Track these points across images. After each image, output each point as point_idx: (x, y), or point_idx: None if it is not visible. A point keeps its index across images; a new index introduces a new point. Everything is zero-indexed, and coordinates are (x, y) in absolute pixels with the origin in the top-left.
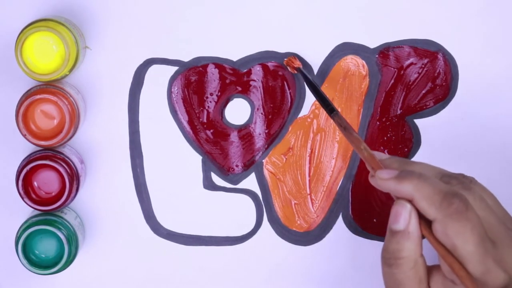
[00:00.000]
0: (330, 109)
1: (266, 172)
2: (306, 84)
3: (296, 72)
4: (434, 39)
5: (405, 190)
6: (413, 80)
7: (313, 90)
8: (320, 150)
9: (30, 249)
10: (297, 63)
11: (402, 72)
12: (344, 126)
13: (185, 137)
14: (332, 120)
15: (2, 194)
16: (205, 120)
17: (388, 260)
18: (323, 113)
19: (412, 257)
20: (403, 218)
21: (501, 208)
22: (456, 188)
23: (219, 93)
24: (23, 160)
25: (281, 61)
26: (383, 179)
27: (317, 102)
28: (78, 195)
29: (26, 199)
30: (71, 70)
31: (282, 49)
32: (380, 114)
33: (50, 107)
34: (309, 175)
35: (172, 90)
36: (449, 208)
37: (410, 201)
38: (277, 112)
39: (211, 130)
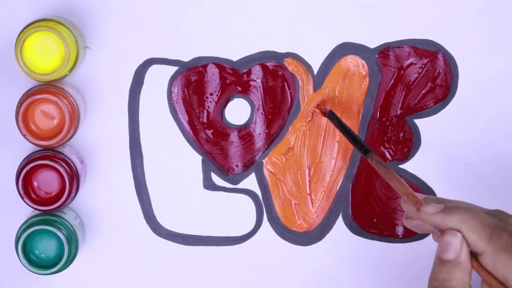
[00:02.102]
0: (364, 150)
1: (266, 172)
2: (338, 127)
3: (325, 116)
4: (434, 39)
5: (452, 223)
6: (413, 80)
7: (345, 132)
8: (320, 150)
9: (30, 249)
10: (328, 107)
11: (402, 72)
12: (383, 165)
13: (185, 137)
14: (332, 120)
15: (2, 194)
16: (205, 120)
17: None
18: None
19: (461, 286)
20: (453, 248)
21: None
22: (501, 222)
23: (219, 93)
24: (23, 160)
25: (281, 61)
26: (430, 214)
27: (316, 103)
28: (78, 195)
29: (26, 199)
30: (71, 70)
31: (282, 49)
32: (380, 114)
33: (50, 107)
34: (309, 175)
35: (172, 90)
36: (498, 241)
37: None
38: (277, 112)
39: (211, 130)
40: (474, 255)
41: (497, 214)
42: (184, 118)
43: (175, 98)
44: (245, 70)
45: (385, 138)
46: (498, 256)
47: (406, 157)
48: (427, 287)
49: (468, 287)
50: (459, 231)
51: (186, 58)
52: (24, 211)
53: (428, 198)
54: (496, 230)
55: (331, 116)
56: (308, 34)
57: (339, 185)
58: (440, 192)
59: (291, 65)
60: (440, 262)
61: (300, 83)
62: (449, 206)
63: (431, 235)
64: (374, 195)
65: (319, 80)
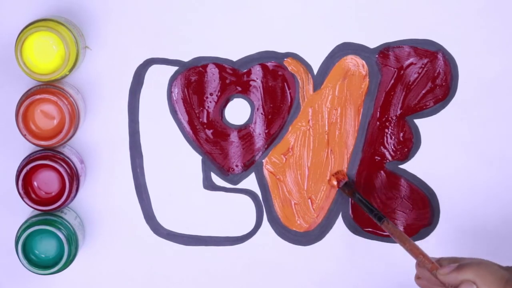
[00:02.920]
0: (378, 217)
1: (266, 172)
2: (351, 197)
3: (339, 187)
4: (434, 39)
5: (467, 278)
6: (413, 80)
7: (360, 202)
8: (320, 150)
9: (30, 249)
10: (346, 178)
11: (402, 72)
12: (397, 235)
13: (185, 137)
14: (332, 121)
15: (2, 194)
16: (205, 120)
17: None
18: (323, 114)
19: None
20: None
21: None
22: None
23: (219, 93)
24: (23, 160)
25: (281, 61)
26: (446, 274)
27: (316, 103)
28: (78, 195)
29: (26, 199)
30: (71, 70)
31: (282, 49)
32: (380, 114)
33: (50, 107)
34: (309, 175)
35: (172, 90)
36: None
37: None
38: (277, 112)
39: (211, 130)
40: None
41: (508, 268)
42: (184, 118)
43: (175, 98)
44: (245, 70)
45: (385, 138)
46: None
47: (406, 157)
48: None
49: None
50: (474, 282)
51: (186, 58)
52: (24, 211)
53: (442, 259)
54: (509, 283)
55: (348, 187)
56: (308, 34)
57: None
58: (440, 192)
59: (291, 65)
60: None
61: (300, 83)
62: (463, 263)
63: (430, 235)
64: (374, 195)
65: (319, 80)
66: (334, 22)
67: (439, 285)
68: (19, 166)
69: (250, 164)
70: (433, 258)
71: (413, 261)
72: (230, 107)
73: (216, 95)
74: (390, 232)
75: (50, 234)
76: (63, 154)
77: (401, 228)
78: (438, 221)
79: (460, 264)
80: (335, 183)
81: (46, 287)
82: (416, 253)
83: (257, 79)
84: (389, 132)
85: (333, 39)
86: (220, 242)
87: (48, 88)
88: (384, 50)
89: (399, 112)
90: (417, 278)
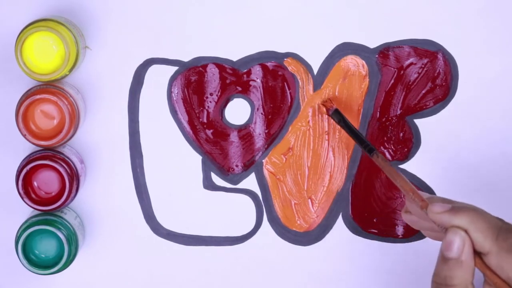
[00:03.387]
0: (369, 149)
1: (266, 172)
2: (342, 126)
3: (330, 114)
4: (434, 39)
5: (460, 222)
6: (413, 80)
7: (350, 131)
8: (320, 150)
9: (30, 249)
10: (334, 105)
11: (402, 72)
12: (388, 164)
13: (185, 137)
14: (332, 121)
15: (2, 194)
16: (205, 120)
17: (439, 286)
18: (323, 114)
19: (463, 284)
20: (456, 246)
21: None
22: (506, 224)
23: (219, 93)
24: (23, 160)
25: (281, 61)
26: (437, 212)
27: (316, 103)
28: (78, 195)
29: (26, 199)
30: (71, 70)
31: (282, 49)
32: (380, 114)
33: (50, 107)
34: (309, 175)
35: (172, 90)
36: (504, 243)
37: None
38: (277, 112)
39: (211, 130)
40: (478, 255)
41: (501, 219)
42: (184, 118)
43: (175, 98)
44: (245, 70)
45: (385, 138)
46: (503, 256)
47: (406, 157)
48: (431, 282)
49: (470, 285)
50: (466, 230)
51: (186, 58)
52: (24, 211)
53: (433, 198)
54: (502, 231)
55: (337, 114)
56: (308, 34)
57: (339, 185)
58: (440, 192)
59: (291, 65)
60: (443, 259)
61: (300, 83)
62: (456, 206)
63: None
64: (374, 195)
65: (319, 80)
66: (334, 22)
67: (429, 222)
68: (19, 166)
69: (250, 164)
70: (424, 195)
71: (414, 260)
72: (230, 107)
73: (216, 95)
74: (381, 166)
75: (50, 234)
76: (63, 154)
77: (401, 228)
78: None
79: (454, 206)
80: (324, 110)
81: (46, 287)
82: (407, 189)
83: (257, 79)
84: (389, 132)
85: (333, 39)
86: (220, 242)
87: (48, 88)
88: (384, 50)
89: (399, 112)
90: (406, 212)
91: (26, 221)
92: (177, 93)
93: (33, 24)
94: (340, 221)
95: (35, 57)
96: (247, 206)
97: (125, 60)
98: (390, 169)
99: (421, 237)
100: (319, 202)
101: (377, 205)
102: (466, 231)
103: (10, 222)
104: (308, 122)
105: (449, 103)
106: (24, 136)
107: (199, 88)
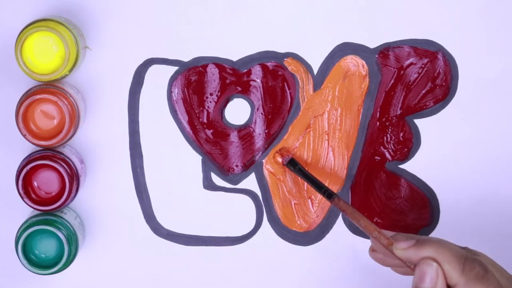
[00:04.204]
0: (328, 194)
1: (266, 172)
2: (299, 174)
3: (284, 164)
4: (434, 39)
5: (426, 255)
6: (413, 80)
7: (308, 179)
8: (320, 150)
9: (30, 249)
10: (290, 154)
11: (402, 72)
12: (349, 212)
13: (185, 137)
14: (333, 121)
15: (2, 194)
16: (205, 120)
17: None
18: (323, 114)
19: None
20: (429, 277)
21: (505, 271)
22: (471, 253)
23: (219, 93)
24: (23, 160)
25: (281, 61)
26: (403, 249)
27: (316, 103)
28: (78, 195)
29: (26, 199)
30: (71, 70)
31: (282, 49)
32: (380, 114)
33: (50, 107)
34: None
35: (172, 90)
36: (471, 272)
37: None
38: (277, 112)
39: (211, 130)
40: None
41: (466, 248)
42: (184, 118)
43: (175, 98)
44: (245, 70)
45: (385, 138)
46: (471, 286)
47: (406, 157)
48: None
49: None
50: (434, 259)
51: (186, 58)
52: (24, 211)
53: (396, 236)
54: (468, 261)
55: (293, 163)
56: (308, 34)
57: (339, 185)
58: (440, 192)
59: (291, 65)
60: None
61: (300, 83)
62: (421, 240)
63: (430, 235)
64: (374, 195)
65: (319, 80)
66: (334, 22)
67: (395, 260)
68: (19, 166)
69: (250, 164)
70: (388, 233)
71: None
72: (230, 107)
73: (216, 95)
74: (342, 209)
75: (50, 234)
76: (63, 154)
77: (401, 228)
78: (438, 221)
79: (418, 239)
80: (279, 159)
81: (46, 287)
82: (371, 229)
83: (257, 79)
84: (389, 132)
85: (333, 39)
86: (220, 242)
87: (48, 88)
88: (384, 50)
89: (399, 112)
90: (372, 251)
91: (26, 221)
92: (177, 93)
93: (33, 24)
94: (340, 221)
95: (35, 57)
96: (247, 206)
97: (125, 60)
98: (353, 211)
99: None
100: (319, 202)
101: (377, 205)
102: (435, 260)
103: (10, 222)
104: (308, 122)
105: (449, 103)
106: (24, 136)
107: (199, 88)
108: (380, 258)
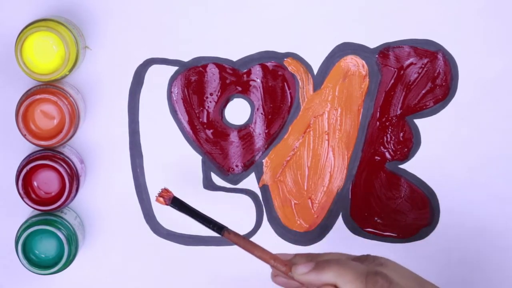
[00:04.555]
0: (218, 228)
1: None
2: (184, 212)
3: (168, 204)
4: (434, 39)
5: (327, 278)
6: (413, 80)
7: (195, 215)
8: (320, 150)
9: (30, 249)
10: (171, 194)
11: (402, 72)
12: (242, 237)
13: (185, 137)
14: (333, 121)
15: (2, 194)
16: (205, 120)
17: None
18: (323, 114)
19: None
20: None
21: (413, 274)
22: (372, 266)
23: (219, 93)
24: (23, 160)
25: (281, 61)
26: (303, 273)
27: (316, 103)
28: (78, 195)
29: (26, 199)
30: (71, 70)
31: (282, 49)
32: (380, 114)
33: (50, 107)
34: (309, 175)
35: (172, 90)
36: (374, 287)
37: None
38: (277, 112)
39: (211, 130)
40: None
41: (365, 258)
42: (184, 118)
43: (175, 98)
44: (245, 70)
45: (385, 138)
46: None
47: (406, 157)
48: None
49: None
50: (335, 285)
51: (186, 58)
52: (24, 211)
53: (296, 257)
54: (370, 276)
55: (176, 202)
56: (308, 34)
57: (339, 185)
58: (440, 192)
59: (291, 65)
60: None
61: (300, 83)
62: (320, 262)
63: (430, 235)
64: (374, 195)
65: (319, 80)
66: (334, 22)
67: (295, 282)
68: (19, 166)
69: (250, 164)
70: (287, 255)
71: (414, 261)
72: (230, 107)
73: (216, 95)
74: (234, 241)
75: (50, 234)
76: (63, 154)
77: (401, 228)
78: (438, 221)
79: (317, 262)
80: (162, 200)
81: (46, 287)
82: (267, 258)
83: (257, 79)
84: (389, 132)
85: (333, 39)
86: (220, 242)
87: (48, 88)
88: (384, 50)
89: (399, 112)
90: (274, 276)
91: (26, 221)
92: (177, 93)
93: (33, 24)
94: (340, 221)
95: (35, 57)
96: (247, 206)
97: (125, 60)
98: (245, 243)
99: (421, 237)
100: (319, 202)
101: (377, 205)
102: (336, 285)
103: (10, 222)
104: (308, 122)
105: (449, 103)
106: (24, 136)
107: (199, 88)
108: (283, 282)
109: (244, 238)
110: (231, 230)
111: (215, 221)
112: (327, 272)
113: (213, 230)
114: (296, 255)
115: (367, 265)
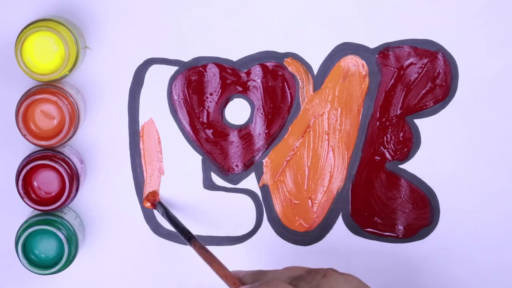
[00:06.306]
0: (188, 237)
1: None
2: (165, 217)
3: (155, 208)
4: (434, 39)
5: None
6: (413, 80)
7: (171, 222)
8: (320, 150)
9: (30, 249)
10: (158, 198)
11: (402, 72)
12: (205, 250)
13: (185, 137)
14: (333, 121)
15: (2, 194)
16: (205, 120)
17: None
18: (323, 114)
19: None
20: None
21: (358, 284)
22: (311, 284)
23: (219, 93)
24: (23, 160)
25: (281, 61)
26: None
27: (315, 102)
28: (78, 195)
29: (26, 199)
30: (71, 70)
31: (282, 49)
32: (380, 114)
33: (50, 107)
34: (309, 175)
35: (172, 90)
36: None
37: None
38: (277, 112)
39: (211, 130)
40: None
41: (305, 280)
42: (184, 118)
43: (175, 98)
44: (245, 70)
45: (385, 138)
46: None
47: (406, 157)
48: None
49: None
50: None
51: (186, 58)
52: (24, 211)
53: (245, 277)
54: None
55: (161, 207)
56: (308, 34)
57: (339, 185)
58: (440, 192)
59: (291, 65)
60: None
61: (300, 83)
62: (264, 282)
63: (430, 235)
64: (374, 195)
65: (319, 80)
66: (334, 22)
67: None
68: (19, 166)
69: (250, 164)
70: (241, 272)
71: (414, 261)
72: (230, 107)
73: (216, 95)
74: (198, 253)
75: (50, 234)
76: (63, 154)
77: (401, 228)
78: (438, 221)
79: (261, 283)
80: (148, 205)
81: (46, 287)
82: (220, 274)
83: (257, 79)
84: (389, 132)
85: (333, 39)
86: (220, 242)
87: (48, 88)
88: (384, 50)
89: (399, 112)
90: None
91: (26, 221)
92: (177, 93)
93: (33, 24)
94: (340, 221)
95: (35, 57)
96: (247, 206)
97: (125, 60)
98: (206, 256)
99: (421, 237)
100: (319, 202)
101: (377, 205)
102: None
103: (10, 222)
104: (308, 122)
105: (449, 103)
106: (24, 136)
107: (199, 88)
108: None
109: (207, 251)
110: (197, 242)
111: (187, 231)
112: None
113: (184, 238)
114: (246, 273)
115: (309, 281)
